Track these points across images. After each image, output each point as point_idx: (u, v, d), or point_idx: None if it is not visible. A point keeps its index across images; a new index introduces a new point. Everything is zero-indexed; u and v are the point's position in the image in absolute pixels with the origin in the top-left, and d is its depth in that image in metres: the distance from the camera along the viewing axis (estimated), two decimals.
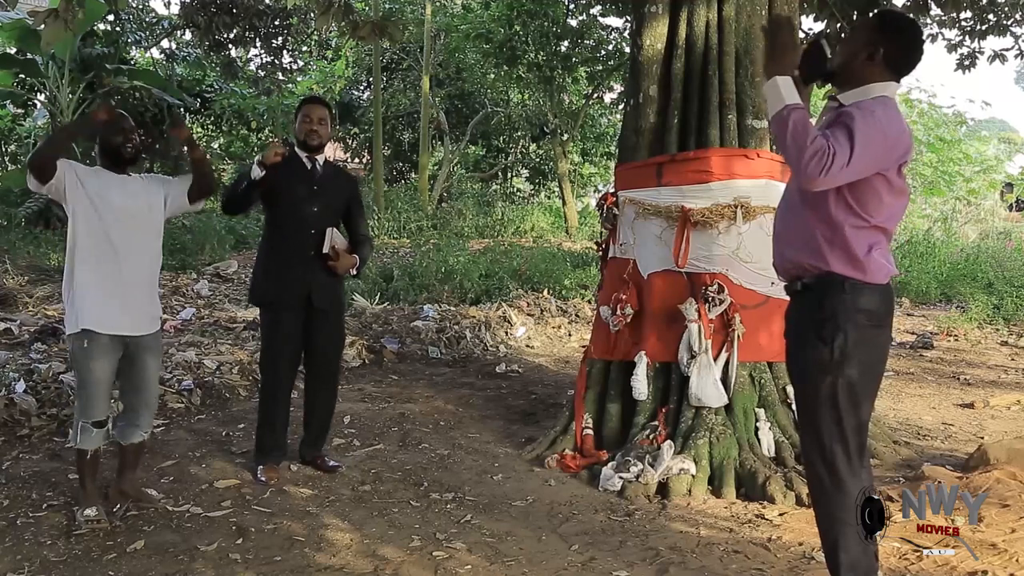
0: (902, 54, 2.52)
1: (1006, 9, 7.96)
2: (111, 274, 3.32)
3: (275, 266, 3.96)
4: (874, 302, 2.48)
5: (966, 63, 8.54)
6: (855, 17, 6.68)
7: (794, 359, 2.66)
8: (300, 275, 3.91)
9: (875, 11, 2.66)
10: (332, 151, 23.78)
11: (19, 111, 17.30)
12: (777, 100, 2.40)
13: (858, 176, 2.36)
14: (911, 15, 6.87)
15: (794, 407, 3.96)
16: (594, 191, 22.54)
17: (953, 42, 8.51)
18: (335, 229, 3.96)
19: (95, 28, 14.32)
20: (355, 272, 4.11)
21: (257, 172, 3.78)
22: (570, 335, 8.06)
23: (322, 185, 3.98)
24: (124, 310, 3.35)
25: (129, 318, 3.37)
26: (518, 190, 23.55)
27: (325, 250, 3.89)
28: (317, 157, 4.01)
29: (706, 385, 4.00)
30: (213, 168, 3.68)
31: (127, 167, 3.48)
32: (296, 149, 3.98)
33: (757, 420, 4.05)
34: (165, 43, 18.05)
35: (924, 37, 2.64)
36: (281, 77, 15.47)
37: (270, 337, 4.01)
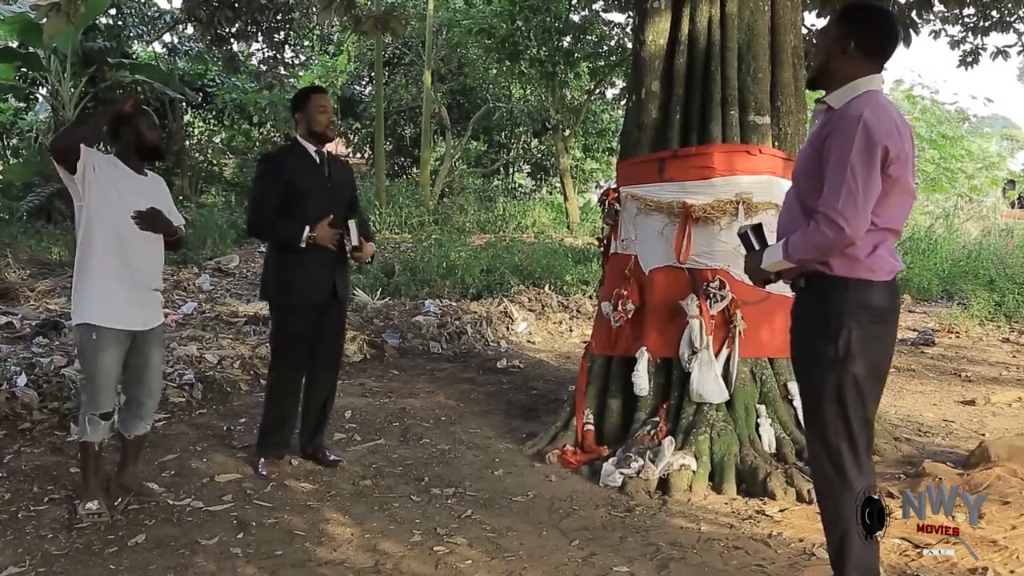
0: (875, 41, 2.48)
1: (1009, 5, 7.95)
2: (120, 269, 3.32)
3: (303, 265, 3.85)
4: (878, 299, 2.44)
5: (969, 59, 8.53)
6: None
7: (798, 356, 2.63)
8: (329, 271, 3.92)
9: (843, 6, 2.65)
10: (334, 146, 23.81)
11: (21, 105, 17.34)
12: (780, 262, 2.53)
13: (876, 194, 2.34)
14: (913, 10, 6.85)
15: (796, 404, 3.97)
16: (596, 187, 22.53)
17: (956, 38, 8.50)
18: (353, 220, 3.96)
19: (97, 22, 14.35)
20: (369, 259, 4.15)
21: (304, 243, 3.77)
22: (571, 330, 8.06)
23: (333, 178, 3.97)
24: (133, 305, 3.36)
25: (137, 313, 3.39)
26: (520, 185, 23.52)
27: (354, 243, 3.91)
28: (323, 149, 3.98)
29: (707, 381, 4.00)
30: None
31: (152, 162, 3.49)
32: (302, 141, 3.92)
33: (758, 416, 4.05)
34: (167, 37, 18.05)
35: (894, 19, 2.59)
36: (283, 72, 15.43)
37: (289, 335, 3.93)
